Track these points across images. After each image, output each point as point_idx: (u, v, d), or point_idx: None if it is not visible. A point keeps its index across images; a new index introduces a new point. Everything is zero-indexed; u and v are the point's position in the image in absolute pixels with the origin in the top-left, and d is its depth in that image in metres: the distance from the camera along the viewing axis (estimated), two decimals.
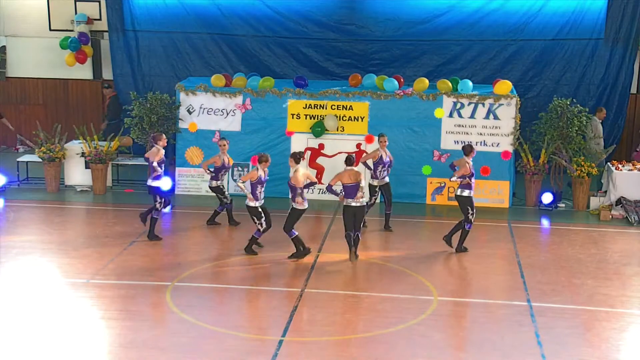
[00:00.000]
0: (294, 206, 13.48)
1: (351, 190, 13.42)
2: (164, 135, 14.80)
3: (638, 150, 18.82)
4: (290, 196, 13.54)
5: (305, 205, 13.52)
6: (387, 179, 15.28)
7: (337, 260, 13.82)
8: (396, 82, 17.61)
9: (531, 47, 19.99)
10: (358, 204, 13.44)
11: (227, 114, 17.78)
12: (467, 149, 14.05)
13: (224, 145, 15.09)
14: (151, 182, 14.46)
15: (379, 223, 15.81)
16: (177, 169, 17.84)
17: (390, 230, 15.38)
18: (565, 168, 17.15)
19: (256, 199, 13.61)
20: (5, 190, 17.79)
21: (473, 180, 13.99)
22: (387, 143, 15.14)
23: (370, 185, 15.24)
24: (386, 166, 15.17)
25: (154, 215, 14.50)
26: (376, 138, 16.89)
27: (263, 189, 13.71)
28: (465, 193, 13.96)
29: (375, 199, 15.32)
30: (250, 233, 13.93)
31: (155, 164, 14.35)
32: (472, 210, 14.00)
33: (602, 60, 19.79)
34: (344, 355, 10.19)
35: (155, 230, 14.58)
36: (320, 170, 17.40)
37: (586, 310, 11.73)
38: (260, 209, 13.67)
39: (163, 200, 14.44)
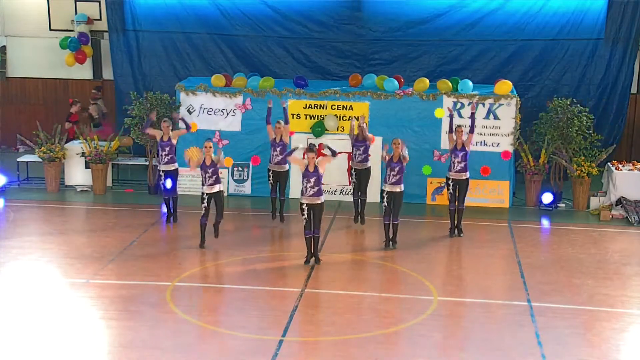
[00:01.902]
0: None
1: None
2: (163, 121, 15.75)
3: None
4: None
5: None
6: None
7: (337, 260, 13.82)
8: (396, 82, 17.60)
9: (531, 47, 19.95)
10: None
11: (227, 114, 17.78)
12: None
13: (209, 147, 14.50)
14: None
15: (378, 223, 15.80)
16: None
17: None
18: (565, 168, 17.15)
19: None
20: (5, 190, 17.79)
21: None
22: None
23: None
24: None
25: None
26: (376, 138, 16.88)
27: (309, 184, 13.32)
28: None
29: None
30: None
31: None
32: None
33: (602, 60, 19.76)
34: (344, 355, 10.18)
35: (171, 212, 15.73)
36: None
37: (586, 310, 11.73)
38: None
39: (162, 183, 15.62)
